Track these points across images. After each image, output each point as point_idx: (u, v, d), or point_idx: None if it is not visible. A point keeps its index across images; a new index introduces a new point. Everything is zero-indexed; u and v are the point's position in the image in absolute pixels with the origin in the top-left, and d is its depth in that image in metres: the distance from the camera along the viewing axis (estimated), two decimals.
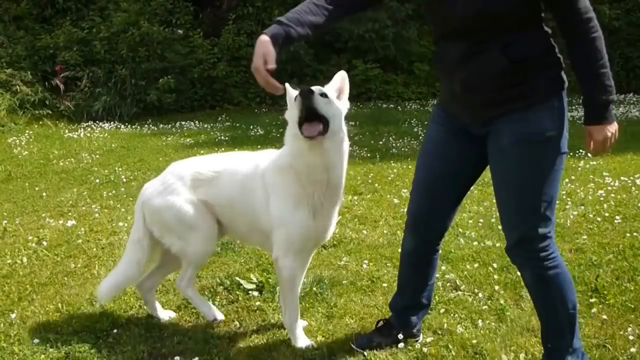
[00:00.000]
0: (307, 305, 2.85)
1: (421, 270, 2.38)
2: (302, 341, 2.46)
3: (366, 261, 3.39)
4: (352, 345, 2.41)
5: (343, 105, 2.27)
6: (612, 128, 1.89)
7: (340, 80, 2.30)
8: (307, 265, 2.58)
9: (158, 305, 2.78)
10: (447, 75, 2.07)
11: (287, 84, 2.28)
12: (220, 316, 2.73)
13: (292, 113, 2.23)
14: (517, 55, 1.88)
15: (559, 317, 2.09)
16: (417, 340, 2.45)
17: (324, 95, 2.17)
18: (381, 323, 2.49)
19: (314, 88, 2.15)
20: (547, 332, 2.17)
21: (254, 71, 2.00)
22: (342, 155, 2.25)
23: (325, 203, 2.31)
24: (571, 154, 6.20)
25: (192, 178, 2.54)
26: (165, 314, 2.77)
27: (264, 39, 1.99)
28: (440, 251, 2.41)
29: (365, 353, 2.39)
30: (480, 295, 2.90)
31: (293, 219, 2.31)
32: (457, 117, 2.12)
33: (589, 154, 1.96)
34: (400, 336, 2.41)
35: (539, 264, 2.04)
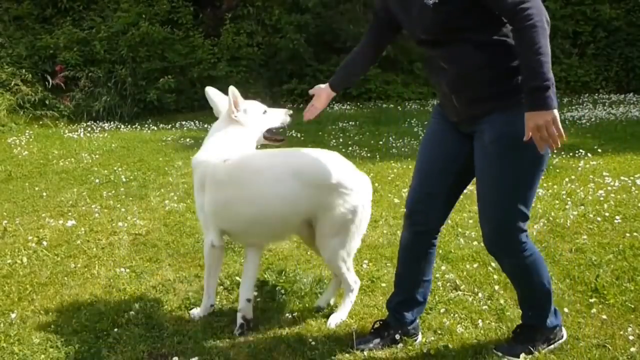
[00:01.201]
0: (307, 305, 2.85)
1: (417, 263, 2.43)
2: None
3: (366, 261, 3.39)
4: (351, 349, 2.41)
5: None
6: (547, 116, 1.84)
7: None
8: None
9: None
10: (435, 78, 2.24)
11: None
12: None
13: (262, 122, 2.88)
14: (489, 53, 2.03)
15: (537, 294, 2.31)
16: (415, 340, 2.46)
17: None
18: (378, 324, 2.52)
19: None
20: (527, 304, 2.36)
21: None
22: None
23: None
24: (571, 154, 6.21)
25: None
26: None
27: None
28: (436, 247, 2.45)
29: (365, 353, 2.39)
30: (480, 295, 2.90)
31: None
32: (448, 116, 2.27)
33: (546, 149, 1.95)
34: (397, 336, 2.43)
35: (515, 254, 2.20)
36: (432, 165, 2.33)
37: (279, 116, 2.94)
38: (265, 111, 2.92)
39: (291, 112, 2.96)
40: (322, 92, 2.61)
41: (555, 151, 2.08)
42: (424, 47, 2.19)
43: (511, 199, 2.11)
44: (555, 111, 1.86)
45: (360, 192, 2.57)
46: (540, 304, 2.33)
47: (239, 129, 2.82)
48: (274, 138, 2.94)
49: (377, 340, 2.44)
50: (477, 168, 2.18)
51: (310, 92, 2.67)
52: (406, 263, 2.46)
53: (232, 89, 2.79)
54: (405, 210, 2.43)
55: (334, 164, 2.56)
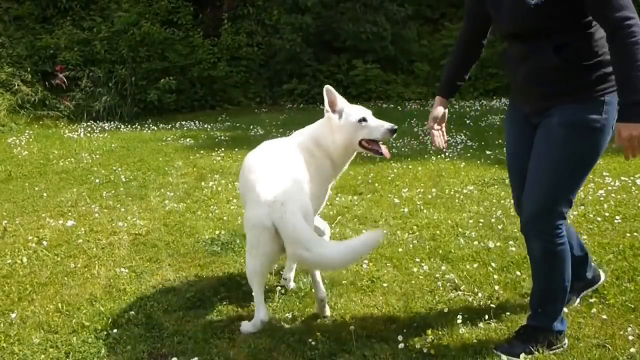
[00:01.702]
0: (307, 305, 2.85)
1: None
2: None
3: (366, 261, 3.39)
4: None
5: None
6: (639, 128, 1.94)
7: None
8: None
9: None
10: (512, 69, 2.35)
11: (329, 87, 2.76)
12: None
13: (352, 126, 2.76)
14: (568, 55, 2.11)
15: (555, 286, 2.34)
16: (595, 289, 2.78)
17: None
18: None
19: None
20: (541, 299, 2.39)
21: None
22: None
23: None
24: None
25: None
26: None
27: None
28: (566, 221, 2.40)
29: (366, 353, 2.39)
30: (480, 295, 2.90)
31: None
32: (520, 108, 2.40)
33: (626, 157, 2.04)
34: (581, 290, 2.73)
35: (550, 239, 2.25)
36: (521, 172, 2.38)
37: (379, 130, 2.77)
38: (364, 119, 2.77)
39: (395, 127, 2.78)
40: (439, 110, 2.63)
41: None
42: (508, 40, 2.31)
43: (563, 184, 2.21)
44: None
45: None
46: (554, 302, 2.36)
47: (325, 128, 2.81)
48: (372, 148, 2.80)
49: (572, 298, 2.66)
50: (536, 151, 2.26)
51: (430, 124, 2.64)
52: None
53: (327, 88, 2.77)
54: (520, 220, 2.43)
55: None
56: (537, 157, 2.26)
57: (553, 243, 2.26)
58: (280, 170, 2.63)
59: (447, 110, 2.66)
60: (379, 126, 2.78)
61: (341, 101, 2.80)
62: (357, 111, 2.81)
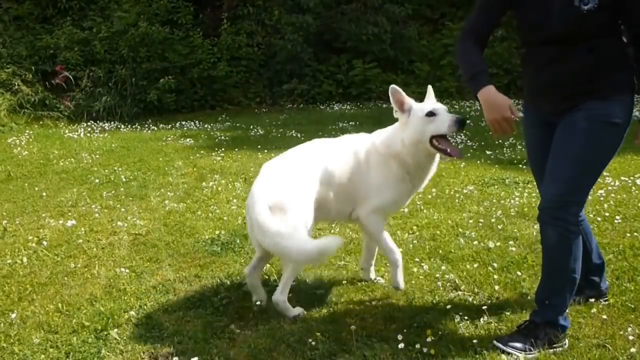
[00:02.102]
0: (307, 305, 2.85)
1: None
2: (401, 279, 2.88)
3: None
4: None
5: None
6: None
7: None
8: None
9: None
10: (536, 71, 2.43)
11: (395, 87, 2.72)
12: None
13: (420, 120, 2.65)
14: (600, 56, 2.25)
15: (565, 277, 2.37)
16: (606, 300, 2.74)
17: None
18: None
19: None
20: (548, 289, 2.43)
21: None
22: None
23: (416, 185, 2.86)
24: None
25: None
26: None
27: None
28: (584, 219, 2.50)
29: (366, 353, 2.39)
30: (480, 295, 2.90)
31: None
32: (540, 109, 2.49)
33: None
34: (592, 299, 2.73)
35: (566, 226, 2.31)
36: (542, 170, 2.46)
37: (444, 124, 2.63)
38: (432, 113, 2.65)
39: (461, 118, 2.64)
40: (494, 94, 2.39)
41: None
42: (539, 44, 2.37)
43: (582, 176, 2.30)
44: None
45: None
46: (562, 293, 2.39)
47: (396, 130, 2.78)
48: (441, 148, 2.65)
49: (577, 298, 2.68)
50: (556, 144, 2.34)
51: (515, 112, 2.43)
52: None
53: (393, 88, 2.72)
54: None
55: None
56: (559, 148, 2.33)
57: (569, 231, 2.32)
58: (283, 168, 2.72)
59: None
60: (445, 120, 2.62)
61: (409, 100, 2.73)
62: (426, 105, 2.71)
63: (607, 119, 2.25)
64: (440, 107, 2.70)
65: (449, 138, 2.69)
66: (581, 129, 2.27)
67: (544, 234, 2.40)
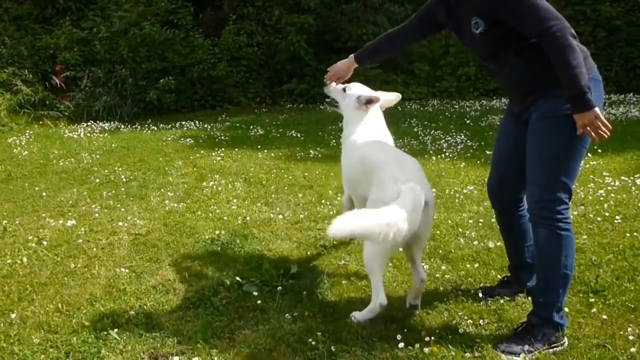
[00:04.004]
0: (307, 305, 2.85)
1: (513, 234, 2.83)
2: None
3: None
4: (479, 293, 2.82)
5: None
6: (590, 115, 2.21)
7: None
8: None
9: None
10: (494, 77, 2.73)
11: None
12: None
13: None
14: (528, 55, 2.39)
15: (558, 274, 2.41)
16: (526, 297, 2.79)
17: None
18: (505, 278, 2.94)
19: None
20: (543, 287, 2.48)
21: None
22: None
23: None
24: None
25: None
26: None
27: None
28: (526, 217, 2.67)
29: (366, 353, 2.39)
30: (480, 295, 2.90)
31: None
32: (513, 108, 2.68)
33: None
34: (519, 293, 2.82)
35: (553, 224, 2.37)
36: (501, 154, 2.76)
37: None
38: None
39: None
40: (343, 64, 3.09)
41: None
42: (482, 58, 2.65)
43: (554, 171, 2.37)
44: (596, 109, 2.21)
45: None
46: (555, 290, 2.41)
47: None
48: None
49: (501, 291, 2.84)
50: (528, 144, 2.47)
51: (329, 69, 3.14)
52: (505, 236, 2.90)
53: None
54: (487, 193, 2.85)
55: None
56: (528, 153, 2.45)
57: (557, 228, 2.37)
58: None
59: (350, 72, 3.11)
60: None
61: None
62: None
63: (556, 112, 2.34)
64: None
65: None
66: (538, 129, 2.41)
67: (535, 233, 2.49)
